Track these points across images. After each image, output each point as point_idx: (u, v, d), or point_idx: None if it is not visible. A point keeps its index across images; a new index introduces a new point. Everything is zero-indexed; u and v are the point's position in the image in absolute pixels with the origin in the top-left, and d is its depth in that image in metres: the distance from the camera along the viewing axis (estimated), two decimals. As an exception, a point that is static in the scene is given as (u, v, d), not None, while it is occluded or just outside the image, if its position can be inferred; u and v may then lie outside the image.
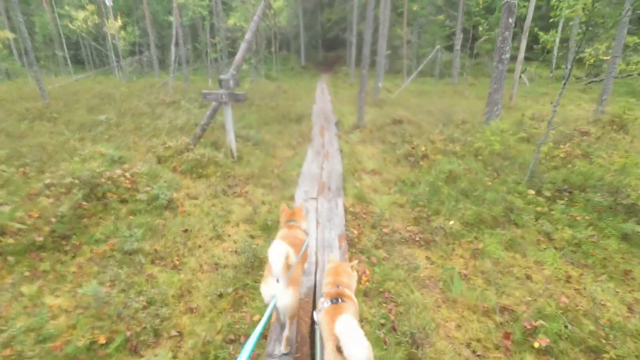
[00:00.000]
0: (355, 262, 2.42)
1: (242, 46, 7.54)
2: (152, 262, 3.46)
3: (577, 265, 3.38)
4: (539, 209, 4.13)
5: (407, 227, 4.18)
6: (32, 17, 26.42)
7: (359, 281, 2.95)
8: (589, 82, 18.27)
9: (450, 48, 25.82)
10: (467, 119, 8.83)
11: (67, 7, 18.28)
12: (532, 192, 4.36)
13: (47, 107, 10.13)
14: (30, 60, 10.74)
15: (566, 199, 4.22)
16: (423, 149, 6.34)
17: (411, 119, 9.26)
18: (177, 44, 13.59)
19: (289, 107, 12.43)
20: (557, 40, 19.84)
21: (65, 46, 23.04)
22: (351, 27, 31.11)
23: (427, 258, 3.62)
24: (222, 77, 5.97)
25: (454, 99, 14.67)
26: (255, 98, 13.08)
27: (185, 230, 4.00)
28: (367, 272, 3.19)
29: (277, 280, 2.06)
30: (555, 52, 20.01)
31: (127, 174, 4.81)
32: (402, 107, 12.44)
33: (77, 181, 4.31)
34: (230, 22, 21.02)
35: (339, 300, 1.92)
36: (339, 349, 1.53)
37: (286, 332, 2.37)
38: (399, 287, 3.12)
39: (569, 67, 4.84)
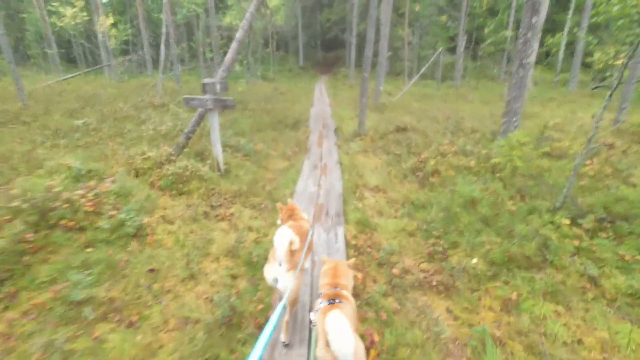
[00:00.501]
0: (352, 260, 2.47)
1: (233, 46, 6.84)
2: (104, 316, 2.75)
3: (638, 324, 2.70)
4: (576, 242, 3.45)
5: (421, 265, 3.49)
6: (22, 14, 25.63)
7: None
8: (596, 87, 17.73)
9: (452, 50, 25.25)
10: (476, 127, 8.16)
11: (54, 4, 17.46)
12: (566, 221, 3.67)
13: (25, 109, 9.39)
14: (9, 58, 9.96)
15: (609, 232, 3.54)
16: (433, 162, 5.66)
17: (416, 127, 8.58)
18: (167, 43, 12.86)
19: (285, 110, 11.73)
20: (563, 43, 19.36)
21: (54, 44, 22.22)
22: (351, 28, 30.45)
23: (449, 311, 2.93)
24: (206, 80, 5.27)
25: (458, 103, 14.02)
26: (250, 101, 12.38)
27: (152, 270, 3.29)
28: (376, 338, 2.49)
29: (280, 264, 2.18)
30: (560, 55, 19.42)
31: (91, 194, 4.10)
32: (404, 112, 11.78)
33: (25, 205, 3.59)
34: (226, 20, 20.32)
35: (336, 301, 1.95)
36: (328, 344, 1.56)
37: (286, 317, 2.47)
38: (416, 357, 2.42)
39: (617, 73, 4.15)
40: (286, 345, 2.48)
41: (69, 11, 17.20)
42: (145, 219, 4.06)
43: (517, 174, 4.70)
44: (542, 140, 5.70)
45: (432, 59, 16.51)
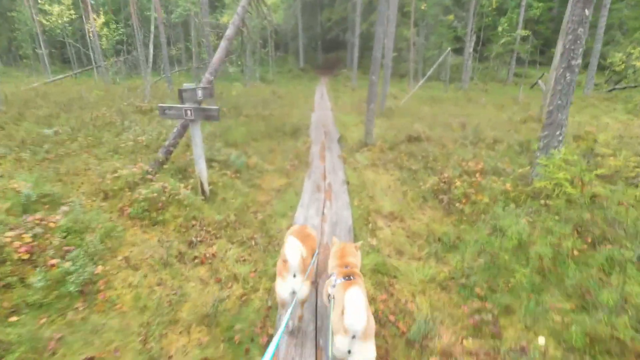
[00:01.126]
0: (360, 242, 2.69)
1: (222, 45, 5.92)
2: None
3: None
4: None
5: (464, 342, 2.55)
6: (11, 12, 24.73)
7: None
8: (612, 90, 16.79)
9: (457, 51, 24.35)
10: (499, 137, 7.22)
11: (40, 1, 16.56)
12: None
13: (-4, 115, 8.48)
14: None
15: None
16: (458, 183, 4.73)
17: (430, 135, 7.66)
18: (157, 42, 11.95)
19: (284, 116, 10.80)
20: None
21: (44, 44, 21.29)
22: (353, 28, 29.56)
23: None
24: (184, 86, 4.34)
25: (470, 107, 13.10)
26: (246, 105, 11.44)
27: (92, 359, 2.35)
28: None
29: (294, 276, 2.21)
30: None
31: (30, 234, 3.17)
32: (414, 118, 10.86)
33: None
34: (224, 20, 19.41)
35: (351, 277, 2.13)
36: (343, 313, 1.71)
37: (300, 312, 2.65)
38: None
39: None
40: (291, 332, 2.63)
41: (55, 9, 16.28)
42: (99, 267, 3.12)
43: (571, 204, 3.77)
44: (590, 158, 4.77)
45: (439, 60, 15.59)
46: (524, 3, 19.75)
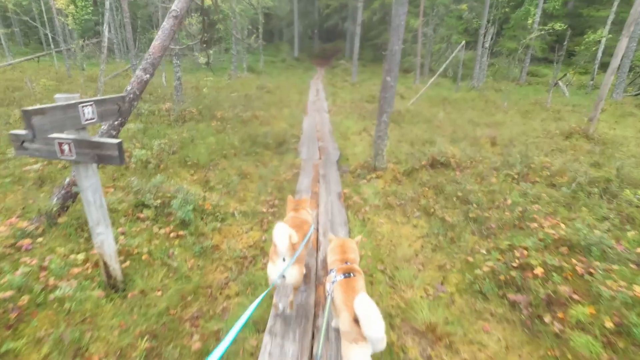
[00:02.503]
0: (359, 237, 2.61)
1: (164, 26, 3.87)
2: None
3: None
4: None
5: None
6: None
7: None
8: (637, 94, 15.01)
9: (467, 45, 22.31)
10: (555, 165, 5.30)
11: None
12: None
13: None
14: None
15: None
16: (539, 270, 2.81)
17: (459, 159, 5.72)
18: (112, 22, 9.69)
19: (269, 119, 8.75)
20: (603, 40, 16.55)
21: None
22: (354, 15, 27.25)
23: None
24: (57, 98, 2.29)
25: (490, 112, 11.18)
26: (224, 105, 9.34)
27: None
28: None
29: (284, 259, 2.22)
30: (599, 55, 16.59)
31: None
32: (428, 125, 8.90)
33: None
34: (206, 2, 17.00)
35: (351, 274, 2.08)
36: (355, 321, 1.68)
37: (291, 297, 2.65)
38: None
39: None
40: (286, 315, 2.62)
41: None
42: None
43: None
44: None
45: (453, 54, 13.56)
46: (542, -7, 17.73)
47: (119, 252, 2.99)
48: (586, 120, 8.07)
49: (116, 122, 3.56)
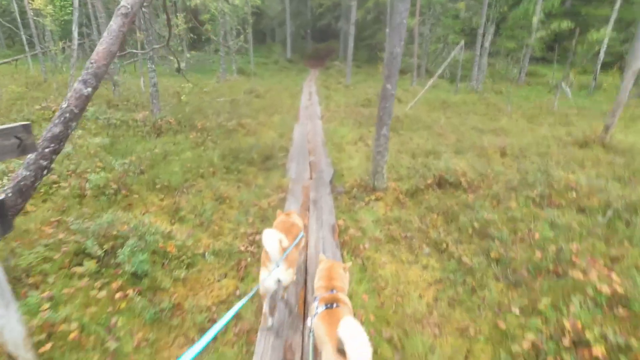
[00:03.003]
0: (349, 264, 2.40)
1: (112, 26, 3.11)
2: None
3: None
4: None
5: None
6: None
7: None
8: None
9: (465, 45, 21.70)
10: (580, 183, 4.60)
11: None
12: None
13: None
14: None
15: None
16: (601, 350, 2.10)
17: (470, 177, 5.01)
18: (82, 22, 8.88)
19: (256, 129, 8.00)
20: (606, 40, 16.02)
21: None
22: (347, 14, 26.53)
23: None
24: None
25: (493, 116, 10.52)
26: (206, 112, 8.56)
27: None
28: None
29: (277, 265, 2.21)
30: (601, 56, 16.05)
31: None
32: (429, 132, 8.23)
33: None
34: (193, 1, 16.15)
35: (334, 305, 1.90)
36: (340, 351, 1.53)
37: (283, 295, 2.75)
38: None
39: None
40: (269, 328, 2.52)
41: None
42: None
43: None
44: None
45: (452, 55, 12.90)
46: (541, -9, 17.13)
47: (39, 330, 2.24)
48: (601, 127, 7.42)
49: (47, 149, 2.79)
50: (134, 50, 8.15)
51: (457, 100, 13.03)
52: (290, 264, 2.34)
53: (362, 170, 5.83)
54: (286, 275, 2.29)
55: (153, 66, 7.18)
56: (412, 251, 3.68)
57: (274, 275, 2.22)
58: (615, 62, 18.16)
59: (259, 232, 3.88)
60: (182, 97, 7.35)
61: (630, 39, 19.07)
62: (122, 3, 3.10)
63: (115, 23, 3.07)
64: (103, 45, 3.03)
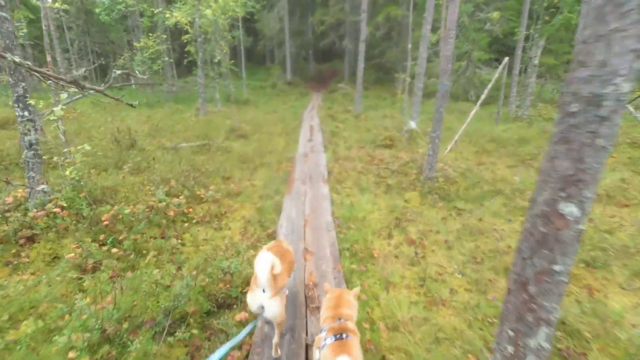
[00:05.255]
0: (357, 289, 2.26)
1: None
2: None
3: None
4: None
5: None
6: None
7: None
8: None
9: (490, 63, 18.71)
10: None
11: None
12: None
13: None
14: None
15: None
16: None
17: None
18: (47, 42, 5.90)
19: (217, 213, 4.76)
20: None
21: None
22: (352, 32, 23.86)
23: None
24: None
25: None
26: (139, 183, 5.35)
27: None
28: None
29: (263, 290, 2.10)
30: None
31: None
32: (502, 202, 4.95)
33: None
34: (170, 21, 13.40)
35: (344, 335, 1.79)
36: None
37: (275, 339, 2.36)
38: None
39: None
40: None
41: None
42: None
43: None
44: None
45: (496, 75, 9.77)
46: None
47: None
48: None
49: None
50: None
51: (508, 135, 9.78)
52: (276, 292, 2.14)
53: (420, 308, 2.51)
54: (271, 304, 2.12)
55: (27, 112, 3.99)
56: None
57: (257, 300, 2.13)
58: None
59: None
60: (67, 172, 3.89)
61: None
62: None
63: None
64: None
